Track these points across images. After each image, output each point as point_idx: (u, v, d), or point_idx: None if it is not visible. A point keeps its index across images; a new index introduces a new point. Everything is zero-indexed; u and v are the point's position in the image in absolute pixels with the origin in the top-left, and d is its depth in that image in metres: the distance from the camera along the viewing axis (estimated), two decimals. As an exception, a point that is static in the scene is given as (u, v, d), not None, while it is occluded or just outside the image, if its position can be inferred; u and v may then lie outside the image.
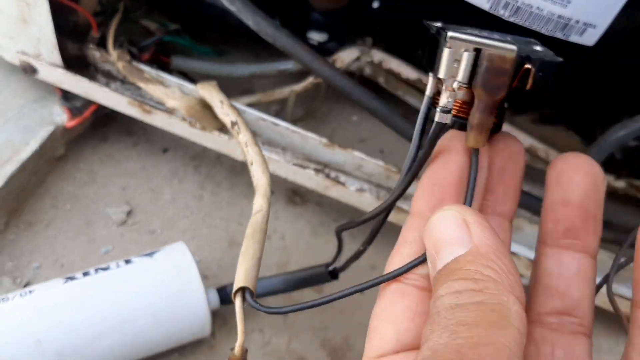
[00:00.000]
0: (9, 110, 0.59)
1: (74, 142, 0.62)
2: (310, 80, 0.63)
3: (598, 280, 0.24)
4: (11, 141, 0.56)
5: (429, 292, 0.21)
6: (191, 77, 0.62)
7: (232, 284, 0.49)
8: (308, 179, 0.53)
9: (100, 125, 0.65)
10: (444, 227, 0.20)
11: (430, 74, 0.22)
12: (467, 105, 0.21)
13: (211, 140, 0.53)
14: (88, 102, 0.59)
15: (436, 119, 0.21)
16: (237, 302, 0.26)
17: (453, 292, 0.18)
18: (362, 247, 0.30)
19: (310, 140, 0.53)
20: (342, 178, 0.53)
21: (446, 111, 0.21)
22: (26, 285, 0.52)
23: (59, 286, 0.44)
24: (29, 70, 0.55)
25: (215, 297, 0.48)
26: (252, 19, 0.44)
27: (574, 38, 0.42)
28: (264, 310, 0.24)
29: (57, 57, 0.54)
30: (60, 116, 0.59)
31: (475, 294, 0.17)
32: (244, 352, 0.25)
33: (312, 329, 0.53)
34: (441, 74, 0.20)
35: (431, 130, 0.21)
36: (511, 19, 0.42)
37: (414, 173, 0.22)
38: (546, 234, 0.23)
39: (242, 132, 0.39)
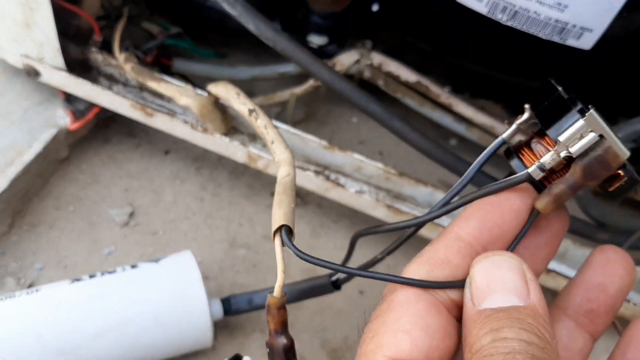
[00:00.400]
0: (14, 112, 0.59)
1: (77, 144, 0.63)
2: (310, 83, 0.64)
3: None
4: (15, 143, 0.57)
5: (452, 317, 0.22)
6: (192, 81, 0.62)
7: (234, 295, 0.49)
8: (308, 181, 0.53)
9: (103, 127, 0.65)
10: (504, 271, 0.21)
11: (518, 123, 0.23)
12: (552, 172, 0.23)
13: (212, 142, 0.54)
14: (91, 105, 0.59)
15: (529, 170, 0.22)
16: (277, 241, 0.26)
17: (522, 339, 0.19)
18: (380, 256, 0.31)
19: (311, 143, 0.54)
20: (342, 180, 0.53)
21: (542, 169, 0.22)
22: (30, 285, 0.52)
23: (65, 286, 0.45)
24: (32, 73, 0.56)
25: (218, 308, 0.48)
26: (252, 23, 0.45)
27: (571, 42, 0.43)
28: (299, 254, 0.24)
29: (60, 61, 0.55)
30: (63, 119, 0.60)
31: (541, 350, 0.19)
32: (283, 295, 0.25)
33: (312, 330, 0.54)
34: (562, 138, 0.21)
35: (516, 177, 0.23)
36: (509, 23, 0.43)
37: (466, 202, 0.24)
38: (572, 305, 0.24)
39: (260, 117, 0.41)
